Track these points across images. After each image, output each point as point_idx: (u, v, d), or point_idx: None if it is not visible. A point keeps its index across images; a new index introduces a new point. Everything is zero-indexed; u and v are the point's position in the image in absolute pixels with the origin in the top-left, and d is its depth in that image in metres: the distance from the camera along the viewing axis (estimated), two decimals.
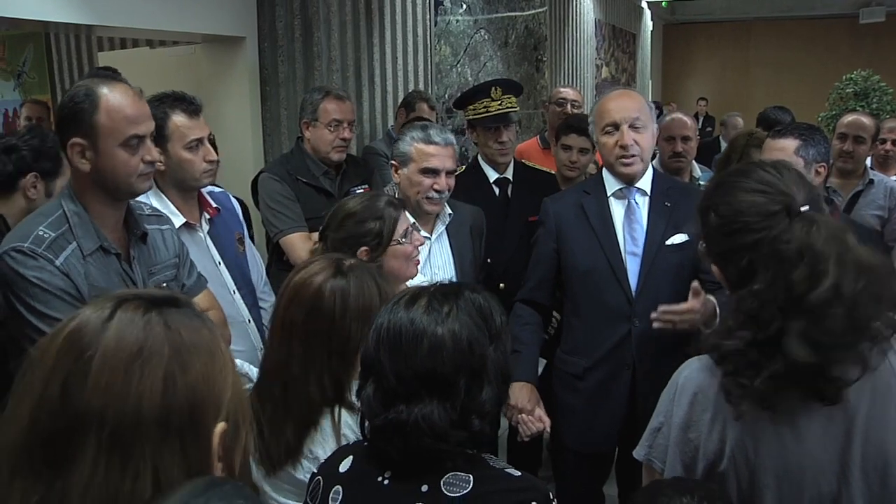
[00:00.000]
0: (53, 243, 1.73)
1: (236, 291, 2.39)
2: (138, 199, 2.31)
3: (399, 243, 2.06)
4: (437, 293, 1.29)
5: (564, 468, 2.59)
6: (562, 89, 4.65)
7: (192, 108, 2.26)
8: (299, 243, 2.85)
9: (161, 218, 2.04)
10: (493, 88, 3.09)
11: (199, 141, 2.26)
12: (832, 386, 1.24)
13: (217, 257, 2.37)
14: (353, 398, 1.44)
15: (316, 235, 2.27)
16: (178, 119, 2.23)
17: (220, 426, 0.87)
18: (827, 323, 1.22)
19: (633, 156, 2.30)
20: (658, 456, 1.42)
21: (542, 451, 3.48)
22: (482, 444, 1.28)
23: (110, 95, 1.75)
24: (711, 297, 2.05)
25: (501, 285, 2.90)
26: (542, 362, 2.67)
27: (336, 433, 1.53)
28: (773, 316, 1.25)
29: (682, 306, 2.05)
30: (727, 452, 1.31)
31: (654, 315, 2.09)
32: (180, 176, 2.27)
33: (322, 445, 1.53)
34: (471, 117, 3.10)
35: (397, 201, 2.15)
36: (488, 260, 2.91)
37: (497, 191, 3.08)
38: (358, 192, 3.09)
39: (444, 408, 1.21)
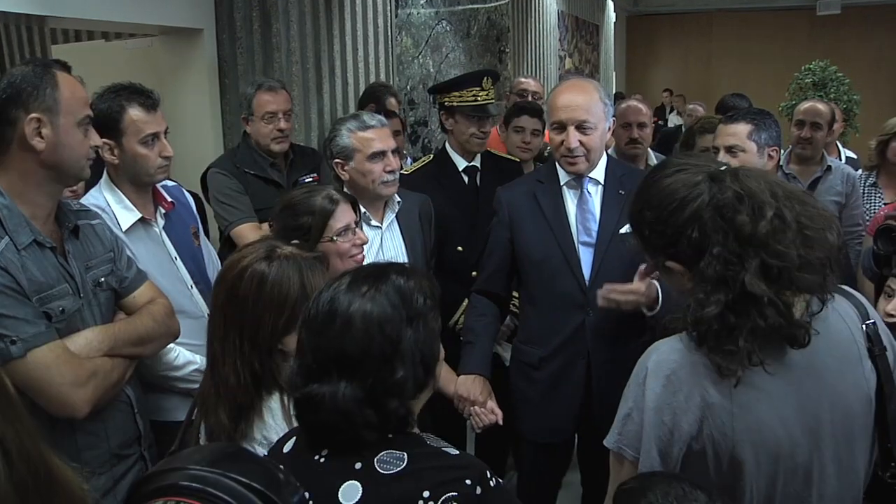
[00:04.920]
0: None
1: (193, 286, 2.35)
2: (91, 192, 2.28)
3: (332, 240, 2.02)
4: (361, 273, 1.31)
5: (524, 458, 2.59)
6: (522, 79, 4.66)
7: (149, 101, 2.21)
8: (249, 234, 2.88)
9: (89, 213, 1.98)
10: (485, 79, 3.08)
11: (155, 136, 2.21)
12: (800, 329, 1.29)
13: (173, 252, 2.32)
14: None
15: (266, 226, 2.25)
16: (134, 113, 2.17)
17: None
18: (780, 249, 1.28)
19: (576, 156, 2.28)
20: (629, 444, 1.38)
21: (509, 440, 3.49)
22: (401, 426, 1.27)
23: (66, 76, 1.75)
24: (655, 282, 2.10)
25: (474, 273, 2.90)
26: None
27: (287, 418, 1.51)
28: (735, 271, 1.28)
29: (627, 286, 2.11)
30: (705, 431, 1.31)
31: (600, 292, 2.14)
32: (134, 171, 2.22)
33: (276, 432, 1.51)
34: (455, 104, 3.04)
35: (338, 196, 2.10)
36: (459, 248, 2.90)
37: (466, 179, 3.09)
38: (307, 181, 3.11)
39: (350, 387, 1.22)
